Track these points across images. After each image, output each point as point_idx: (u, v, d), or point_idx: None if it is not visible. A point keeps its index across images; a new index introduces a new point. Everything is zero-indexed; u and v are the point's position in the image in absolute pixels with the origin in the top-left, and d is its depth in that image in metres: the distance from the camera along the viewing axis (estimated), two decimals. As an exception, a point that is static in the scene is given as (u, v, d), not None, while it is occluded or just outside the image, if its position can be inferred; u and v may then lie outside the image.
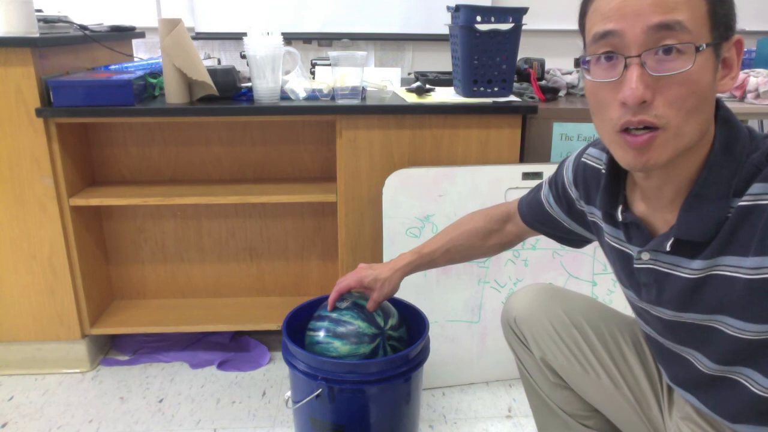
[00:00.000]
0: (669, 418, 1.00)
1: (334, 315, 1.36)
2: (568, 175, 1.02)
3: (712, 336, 0.81)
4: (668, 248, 0.80)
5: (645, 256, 0.84)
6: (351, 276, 1.31)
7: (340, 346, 1.32)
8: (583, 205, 1.00)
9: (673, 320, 0.85)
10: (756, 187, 0.72)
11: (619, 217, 0.87)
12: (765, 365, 0.78)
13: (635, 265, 0.87)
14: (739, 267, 0.73)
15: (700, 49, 0.69)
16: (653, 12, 0.68)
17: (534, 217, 1.13)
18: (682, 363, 0.89)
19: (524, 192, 1.69)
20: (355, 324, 1.34)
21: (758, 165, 0.72)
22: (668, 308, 0.84)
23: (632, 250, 0.87)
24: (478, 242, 1.22)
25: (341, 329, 1.33)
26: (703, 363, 0.85)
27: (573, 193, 1.01)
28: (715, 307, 0.78)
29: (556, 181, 1.06)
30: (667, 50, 0.69)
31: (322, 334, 1.35)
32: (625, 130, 0.73)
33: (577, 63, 0.78)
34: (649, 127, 0.71)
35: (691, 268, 0.79)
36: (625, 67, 0.70)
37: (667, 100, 0.70)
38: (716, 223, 0.74)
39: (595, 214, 0.96)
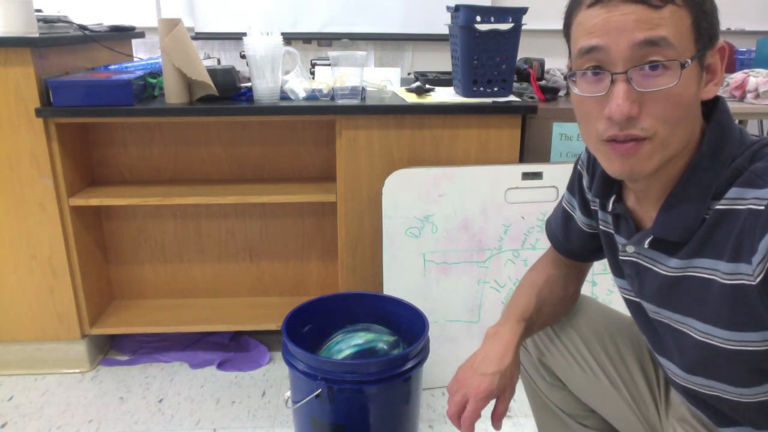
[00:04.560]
0: (666, 419, 1.00)
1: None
2: (583, 163, 1.00)
3: (683, 341, 0.81)
4: (647, 245, 0.81)
5: (629, 248, 0.86)
6: (473, 396, 0.93)
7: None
8: (588, 194, 0.99)
9: (653, 318, 0.87)
10: (733, 192, 0.72)
11: (610, 207, 0.89)
12: (736, 379, 0.79)
13: (620, 257, 0.89)
14: (715, 270, 0.74)
15: (686, 65, 0.69)
16: (638, 28, 0.68)
17: (559, 230, 1.08)
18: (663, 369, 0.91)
19: (523, 191, 1.71)
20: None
21: (740, 169, 0.73)
22: (649, 302, 0.86)
23: (619, 241, 0.89)
24: (559, 291, 1.07)
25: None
26: (676, 374, 0.87)
27: (585, 181, 1.00)
28: (689, 308, 0.79)
29: (572, 180, 1.05)
30: (653, 66, 0.69)
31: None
32: (613, 139, 0.74)
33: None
34: (635, 139, 0.72)
35: (668, 266, 0.80)
36: (612, 82, 0.71)
37: (653, 114, 0.71)
38: (692, 225, 0.75)
39: (596, 202, 0.96)
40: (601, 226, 0.94)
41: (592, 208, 0.99)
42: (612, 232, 0.91)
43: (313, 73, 1.98)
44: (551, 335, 1.09)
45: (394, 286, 1.70)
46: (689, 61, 0.69)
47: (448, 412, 0.96)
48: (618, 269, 0.92)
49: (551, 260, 1.11)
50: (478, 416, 0.94)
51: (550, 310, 1.06)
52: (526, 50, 2.00)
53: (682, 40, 0.69)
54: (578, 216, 1.03)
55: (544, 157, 1.84)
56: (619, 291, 0.96)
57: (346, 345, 1.47)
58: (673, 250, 0.79)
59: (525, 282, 1.09)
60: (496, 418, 0.97)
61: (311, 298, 1.59)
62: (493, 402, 0.96)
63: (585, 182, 1.00)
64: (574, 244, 1.06)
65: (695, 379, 0.83)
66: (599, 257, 1.06)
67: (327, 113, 1.69)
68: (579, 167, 1.01)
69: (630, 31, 0.68)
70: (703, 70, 0.73)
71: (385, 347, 1.46)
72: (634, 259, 0.86)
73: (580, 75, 0.74)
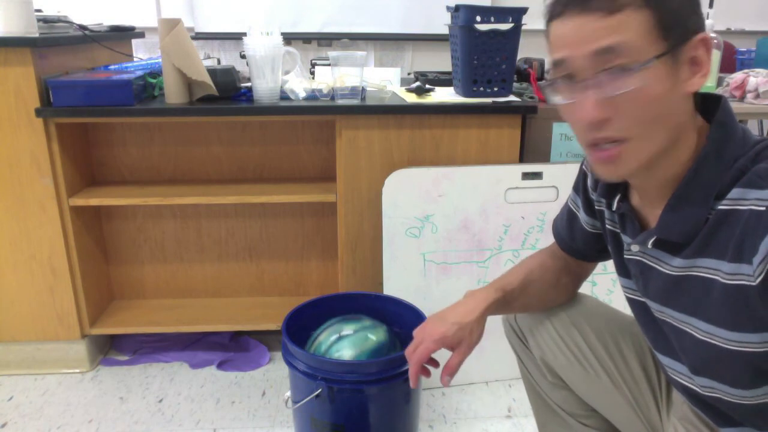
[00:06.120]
0: (667, 419, 1.00)
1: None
2: (588, 163, 1.01)
3: (685, 340, 0.81)
4: (651, 245, 0.82)
5: (634, 248, 0.86)
6: (428, 336, 1.02)
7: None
8: (593, 194, 0.99)
9: (658, 317, 0.87)
10: (735, 192, 0.72)
11: (615, 206, 0.90)
12: (736, 380, 0.79)
13: (625, 256, 0.89)
14: (717, 270, 0.74)
15: (648, 65, 0.70)
16: (594, 38, 0.71)
17: (564, 229, 1.09)
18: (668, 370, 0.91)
19: (523, 191, 1.70)
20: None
21: (743, 169, 0.73)
22: (654, 301, 0.86)
23: (625, 240, 0.89)
24: (551, 277, 1.09)
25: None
26: (680, 374, 0.87)
27: (590, 181, 1.00)
28: (692, 307, 0.79)
29: (577, 179, 1.05)
30: (615, 70, 0.71)
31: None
32: (595, 144, 0.75)
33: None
34: (613, 140, 0.74)
35: (672, 265, 0.80)
36: (581, 89, 0.73)
37: (625, 115, 0.72)
38: (695, 225, 0.75)
39: (601, 202, 0.96)
40: (607, 226, 0.95)
41: (597, 207, 0.99)
42: (618, 231, 0.92)
43: (313, 73, 1.98)
44: (553, 334, 1.09)
45: (394, 286, 1.70)
46: (654, 60, 0.70)
47: (406, 351, 1.06)
48: (623, 268, 0.92)
49: (550, 251, 1.14)
50: (427, 357, 1.03)
51: (536, 292, 1.08)
52: (526, 50, 2.00)
53: (641, 41, 0.70)
54: (582, 215, 1.04)
55: (544, 157, 1.84)
56: (623, 291, 0.96)
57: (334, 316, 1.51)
58: (677, 249, 0.79)
59: (517, 264, 1.13)
60: (446, 371, 1.02)
61: (311, 298, 1.59)
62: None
63: (589, 182, 1.00)
64: (578, 243, 1.07)
65: (699, 380, 0.83)
66: (603, 258, 1.07)
67: (327, 113, 1.69)
68: (584, 167, 1.02)
69: (585, 43, 0.71)
70: (681, 64, 0.72)
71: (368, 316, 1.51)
72: (638, 258, 0.86)
73: (557, 84, 0.77)
